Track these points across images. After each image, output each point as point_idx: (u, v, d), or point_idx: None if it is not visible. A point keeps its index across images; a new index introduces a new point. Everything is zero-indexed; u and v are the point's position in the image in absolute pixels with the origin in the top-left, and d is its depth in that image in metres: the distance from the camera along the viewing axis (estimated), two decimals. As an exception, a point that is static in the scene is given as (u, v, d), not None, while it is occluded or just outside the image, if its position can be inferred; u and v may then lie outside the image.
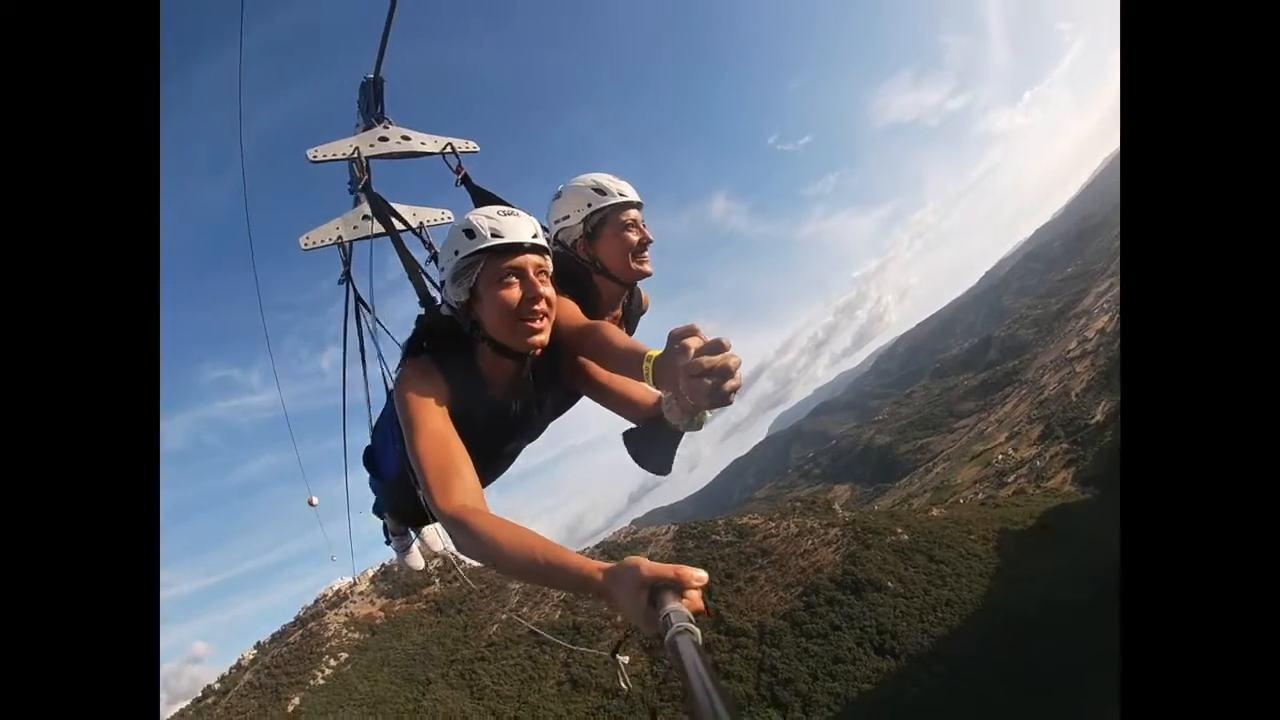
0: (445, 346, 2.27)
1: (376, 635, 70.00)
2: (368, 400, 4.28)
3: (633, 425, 2.50)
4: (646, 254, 2.77)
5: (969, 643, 48.81)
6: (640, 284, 2.94)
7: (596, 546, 77.54)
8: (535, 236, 2.19)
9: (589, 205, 2.70)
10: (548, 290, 2.19)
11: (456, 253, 2.17)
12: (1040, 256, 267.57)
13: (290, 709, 61.85)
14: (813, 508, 76.46)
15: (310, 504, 13.18)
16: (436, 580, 74.33)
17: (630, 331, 3.13)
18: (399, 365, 2.43)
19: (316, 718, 60.28)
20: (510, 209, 2.28)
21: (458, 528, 1.76)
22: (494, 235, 2.13)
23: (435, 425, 2.02)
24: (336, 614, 73.66)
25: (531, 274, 2.16)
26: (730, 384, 1.54)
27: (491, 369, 2.29)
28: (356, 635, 70.29)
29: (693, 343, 1.60)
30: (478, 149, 3.95)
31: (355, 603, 75.25)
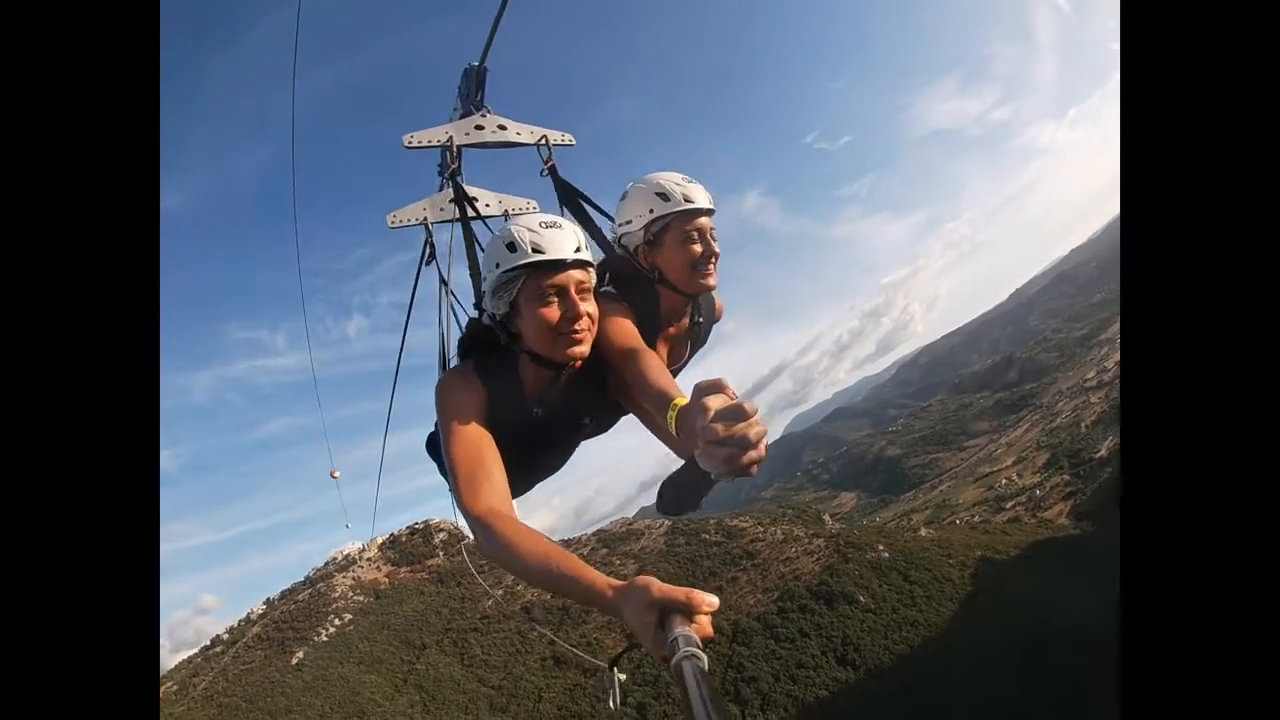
0: (487, 353, 2.27)
1: (380, 599, 72.65)
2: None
3: (673, 472, 2.38)
4: (712, 267, 2.61)
5: (925, 664, 50.11)
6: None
7: (593, 534, 79.55)
8: (578, 251, 2.13)
9: (651, 211, 2.57)
10: (589, 307, 2.15)
11: (497, 265, 2.14)
12: (1072, 279, 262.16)
13: (294, 661, 64.52)
14: (803, 516, 77.59)
15: (333, 476, 12.86)
16: (440, 553, 77.46)
17: (702, 339, 3.02)
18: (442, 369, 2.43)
19: (318, 671, 62.91)
20: (553, 220, 2.21)
21: (482, 529, 1.77)
22: (535, 250, 2.08)
23: (470, 430, 2.02)
24: (344, 577, 76.25)
25: (573, 291, 2.11)
26: (750, 456, 1.37)
27: (531, 379, 2.28)
28: (361, 598, 72.84)
29: (714, 403, 1.43)
30: (574, 142, 3.89)
31: (363, 568, 77.75)
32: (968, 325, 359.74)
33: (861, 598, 57.27)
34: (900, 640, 53.49)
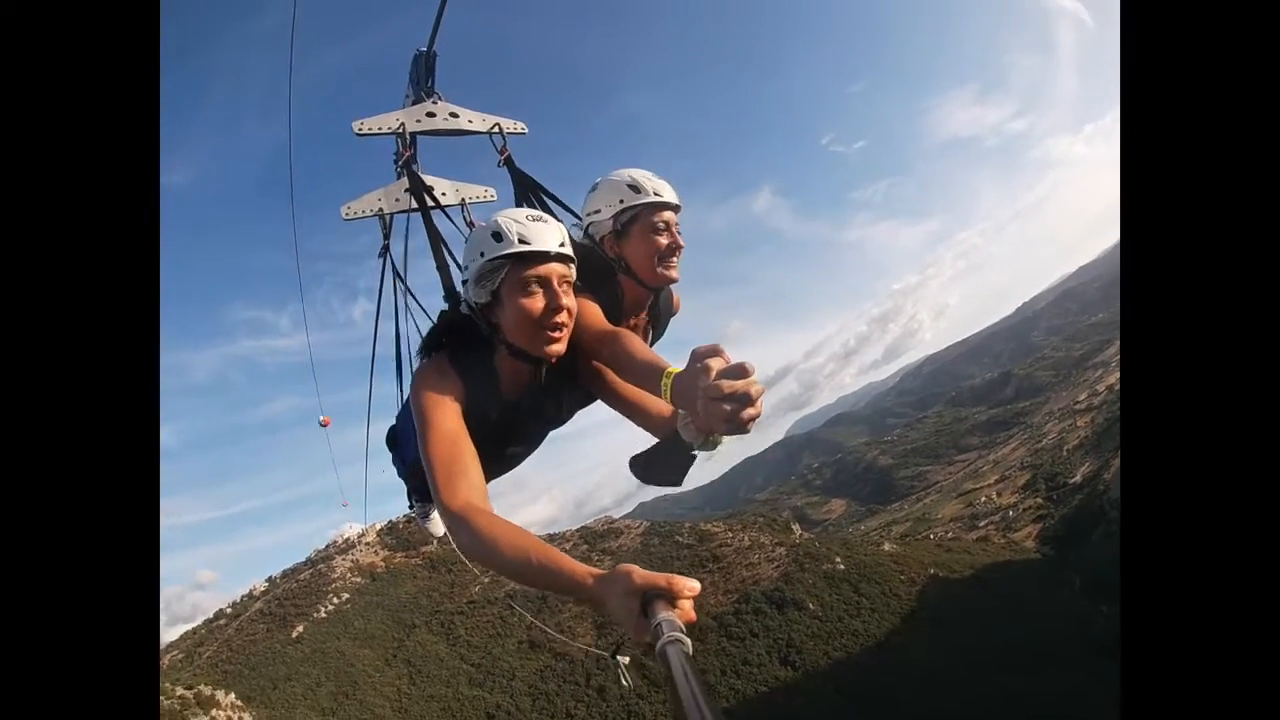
0: (463, 345, 2.25)
1: (376, 581, 77.65)
2: (400, 381, 4.12)
3: (644, 447, 2.30)
4: (675, 259, 2.66)
5: (859, 671, 53.96)
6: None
7: (576, 530, 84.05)
8: (562, 245, 2.14)
9: (621, 202, 2.61)
10: (569, 301, 2.17)
11: (482, 254, 2.13)
12: (1076, 296, 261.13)
13: (294, 635, 69.90)
14: (772, 525, 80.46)
15: (322, 424, 12.56)
16: (435, 541, 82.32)
17: (659, 333, 3.06)
18: (418, 359, 2.41)
19: (316, 644, 68.32)
20: (539, 214, 2.22)
21: (460, 525, 1.74)
22: (521, 241, 2.09)
23: (447, 423, 2.01)
24: (344, 559, 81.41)
25: (555, 283, 2.12)
26: (749, 412, 1.49)
27: (507, 371, 2.27)
28: (359, 579, 77.88)
29: (715, 364, 1.54)
30: (526, 130, 3.87)
31: (361, 551, 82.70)
32: (973, 337, 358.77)
33: (811, 605, 61.06)
34: (839, 648, 57.36)
